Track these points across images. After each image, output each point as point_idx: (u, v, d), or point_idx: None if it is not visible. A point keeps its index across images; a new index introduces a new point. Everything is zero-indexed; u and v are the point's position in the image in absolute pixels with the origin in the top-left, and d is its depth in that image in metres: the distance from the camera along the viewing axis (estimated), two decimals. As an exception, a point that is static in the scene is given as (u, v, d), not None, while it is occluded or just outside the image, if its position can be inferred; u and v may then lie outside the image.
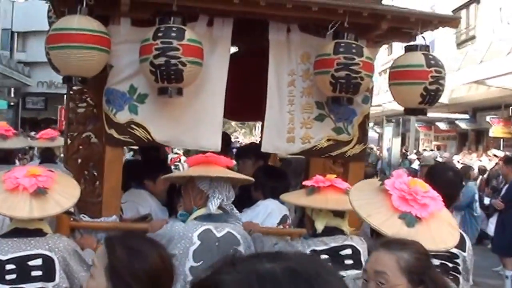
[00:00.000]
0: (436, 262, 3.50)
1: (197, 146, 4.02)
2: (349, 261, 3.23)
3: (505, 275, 9.42)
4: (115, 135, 3.87)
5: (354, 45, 3.79)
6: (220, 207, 3.26)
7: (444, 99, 23.21)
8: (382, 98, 29.01)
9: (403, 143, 32.68)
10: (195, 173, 3.27)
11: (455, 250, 3.52)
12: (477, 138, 24.39)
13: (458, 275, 3.53)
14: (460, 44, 27.34)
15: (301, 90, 4.12)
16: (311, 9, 3.76)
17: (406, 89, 3.98)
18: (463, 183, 4.10)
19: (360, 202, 2.58)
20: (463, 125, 24.47)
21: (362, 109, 4.21)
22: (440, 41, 30.42)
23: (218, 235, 3.17)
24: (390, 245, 2.20)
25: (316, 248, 3.22)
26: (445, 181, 3.76)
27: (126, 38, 3.82)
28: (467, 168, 11.50)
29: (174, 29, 3.56)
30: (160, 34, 3.55)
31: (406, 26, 3.99)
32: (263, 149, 4.24)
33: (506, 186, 9.95)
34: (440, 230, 2.55)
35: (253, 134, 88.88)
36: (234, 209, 3.43)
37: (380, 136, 31.66)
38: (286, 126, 4.12)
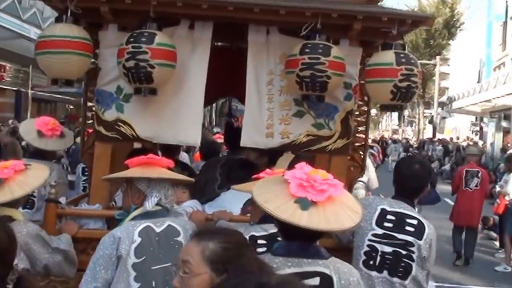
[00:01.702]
0: (388, 249, 3.81)
1: (178, 141, 4.51)
2: None
3: None
4: (103, 131, 4.38)
5: (321, 45, 4.03)
6: (160, 205, 3.52)
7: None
8: (491, 94, 28.56)
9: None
10: (132, 174, 3.55)
11: (410, 239, 3.79)
12: None
13: (411, 262, 3.77)
14: None
15: (279, 88, 4.42)
16: (279, 12, 4.10)
17: (377, 86, 4.22)
18: (430, 175, 4.29)
19: (261, 191, 2.82)
20: None
21: (344, 106, 4.45)
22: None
23: (158, 230, 3.41)
24: (200, 235, 2.41)
25: (255, 233, 3.49)
26: (412, 173, 3.99)
27: (112, 43, 4.26)
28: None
29: (145, 34, 3.97)
30: (131, 39, 3.96)
31: (381, 25, 4.18)
32: (242, 144, 4.57)
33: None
34: (336, 213, 2.72)
35: (377, 128, 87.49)
36: (175, 206, 3.73)
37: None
38: (265, 122, 4.44)
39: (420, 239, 3.80)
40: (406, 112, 64.09)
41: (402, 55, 4.15)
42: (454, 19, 45.76)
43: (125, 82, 4.23)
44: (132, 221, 3.46)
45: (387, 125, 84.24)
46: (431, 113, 44.20)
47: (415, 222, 3.86)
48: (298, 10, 4.10)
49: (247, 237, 3.48)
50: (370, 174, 12.12)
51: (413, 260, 3.79)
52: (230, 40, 5.44)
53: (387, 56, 4.15)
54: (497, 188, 12.43)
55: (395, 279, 3.80)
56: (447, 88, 64.49)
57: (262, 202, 2.73)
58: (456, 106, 38.11)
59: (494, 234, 13.37)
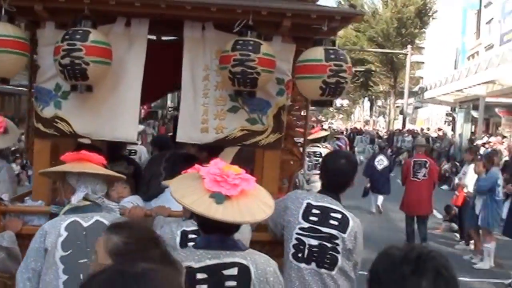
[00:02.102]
0: (315, 242, 4.04)
1: (115, 137, 4.66)
2: None
3: None
4: (42, 128, 4.52)
5: (251, 42, 4.19)
6: (89, 200, 3.67)
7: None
8: (462, 83, 28.98)
9: (487, 129, 32.39)
10: (61, 169, 3.72)
11: (334, 232, 4.02)
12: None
13: (337, 254, 4.01)
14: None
15: (215, 84, 4.58)
16: (210, 10, 4.27)
17: (307, 82, 4.37)
18: (356, 170, 4.50)
19: (178, 187, 3.01)
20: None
21: (276, 101, 4.62)
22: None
23: (85, 224, 3.56)
24: (109, 228, 2.62)
25: (186, 228, 3.71)
26: (338, 168, 4.21)
27: (50, 40, 4.38)
28: (491, 154, 11.78)
29: (80, 31, 4.11)
30: (67, 37, 4.10)
31: (312, 22, 4.35)
32: (178, 139, 4.73)
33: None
34: (250, 206, 2.93)
35: (350, 119, 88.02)
36: (106, 201, 3.86)
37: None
38: (200, 117, 4.60)
39: (344, 233, 4.02)
40: (378, 103, 64.63)
41: (331, 51, 4.31)
42: (427, 7, 46.12)
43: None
44: (62, 216, 3.64)
45: (360, 116, 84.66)
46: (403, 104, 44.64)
47: (339, 216, 4.07)
48: (229, 8, 4.26)
49: (178, 232, 3.71)
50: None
51: (338, 252, 4.02)
52: (175, 35, 5.58)
53: (317, 53, 4.31)
54: (456, 180, 12.77)
55: (323, 270, 4.03)
56: (422, 78, 64.92)
57: (179, 197, 2.93)
58: (428, 96, 38.60)
59: (456, 226, 13.69)
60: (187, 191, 2.97)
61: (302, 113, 5.52)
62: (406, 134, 35.36)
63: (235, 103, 4.61)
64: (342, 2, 48.61)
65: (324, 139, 17.51)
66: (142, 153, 8.90)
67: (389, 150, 32.99)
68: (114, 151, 5.89)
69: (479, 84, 26.17)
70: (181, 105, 4.69)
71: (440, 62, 54.46)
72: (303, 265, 4.06)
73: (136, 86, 4.52)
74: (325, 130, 36.57)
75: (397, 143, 35.60)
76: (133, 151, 9.89)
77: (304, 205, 4.12)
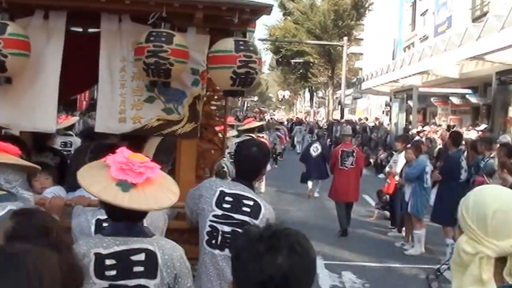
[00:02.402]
0: (228, 228, 4.18)
1: (34, 128, 4.72)
2: None
3: (446, 244, 10.46)
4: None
5: (164, 34, 4.31)
6: (2, 189, 3.68)
7: (454, 74, 23.72)
8: (397, 74, 29.64)
9: (424, 118, 33.24)
10: None
11: (246, 218, 4.14)
12: (488, 113, 24.85)
13: None
14: (475, 20, 27.75)
15: (131, 74, 4.67)
16: (124, 2, 4.36)
17: (218, 72, 4.52)
18: (268, 158, 4.68)
19: (86, 175, 3.11)
20: (474, 100, 24.99)
21: (191, 91, 4.74)
22: (456, 17, 30.75)
23: None
24: (11, 214, 2.75)
25: (101, 217, 3.73)
26: (249, 156, 4.34)
27: None
28: (418, 142, 12.21)
29: (-4, 25, 4.17)
30: (-16, 30, 4.16)
31: (224, 14, 4.50)
32: (96, 129, 4.83)
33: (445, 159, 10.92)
34: (155, 194, 3.06)
35: (292, 109, 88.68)
36: (21, 191, 3.86)
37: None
38: (117, 108, 4.69)
39: (256, 219, 4.15)
40: (319, 94, 65.42)
41: (241, 43, 4.46)
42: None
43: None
44: None
45: (301, 107, 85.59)
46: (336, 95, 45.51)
47: (251, 203, 4.22)
48: (143, 0, 4.37)
49: (93, 220, 3.81)
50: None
51: None
52: (97, 27, 5.65)
53: (227, 44, 4.45)
54: (387, 169, 13.15)
55: None
56: (361, 69, 66.05)
57: (86, 186, 3.05)
58: (365, 86, 39.35)
59: (388, 214, 14.07)
60: (94, 180, 3.08)
61: (222, 103, 5.66)
62: (344, 124, 35.89)
63: (152, 94, 4.72)
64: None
65: (258, 129, 17.82)
66: (77, 144, 8.91)
67: (328, 140, 33.60)
68: (39, 143, 5.93)
69: (414, 75, 26.88)
70: (99, 96, 4.77)
71: (379, 53, 55.52)
72: (217, 251, 4.19)
73: (54, 78, 4.59)
74: (260, 120, 36.54)
75: (336, 133, 36.15)
76: (69, 142, 9.91)
77: (218, 192, 4.24)
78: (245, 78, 4.47)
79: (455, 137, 11.23)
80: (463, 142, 13.27)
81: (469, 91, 24.77)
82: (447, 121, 28.81)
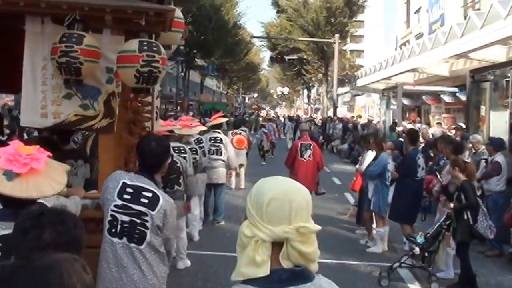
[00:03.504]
0: (126, 218, 4.61)
1: None
2: None
3: (404, 241, 10.76)
4: None
5: (75, 35, 4.74)
6: None
7: (444, 71, 24.05)
8: (388, 72, 29.92)
9: (419, 115, 33.53)
10: None
11: (143, 209, 4.59)
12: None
13: (145, 230, 4.60)
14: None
15: (51, 73, 5.08)
16: (40, 6, 4.78)
17: (124, 71, 4.90)
18: (168, 152, 5.09)
19: None
20: (464, 98, 25.26)
21: (106, 88, 5.16)
22: (449, 15, 31.07)
23: None
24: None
25: None
26: (148, 151, 4.77)
27: None
28: (380, 140, 12.57)
29: None
30: None
31: (131, 17, 4.88)
32: (21, 124, 5.27)
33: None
34: (38, 183, 3.47)
35: (292, 106, 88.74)
36: None
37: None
38: (39, 103, 5.11)
39: (153, 210, 4.61)
40: (319, 91, 65.75)
41: (145, 43, 4.85)
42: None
43: None
44: None
45: (301, 104, 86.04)
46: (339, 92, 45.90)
47: (150, 194, 4.65)
48: (56, 4, 4.81)
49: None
50: (229, 153, 13.10)
51: (147, 228, 4.62)
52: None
53: (132, 44, 4.86)
54: (356, 166, 13.54)
55: (132, 245, 4.63)
56: (362, 66, 66.31)
57: None
58: (359, 84, 39.69)
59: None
60: None
61: (148, 99, 6.08)
62: (337, 122, 36.38)
63: (70, 91, 5.14)
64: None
65: (236, 125, 18.27)
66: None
67: (321, 137, 34.01)
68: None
69: (402, 73, 27.23)
70: (23, 93, 5.17)
71: (380, 51, 55.81)
72: (116, 239, 4.65)
73: None
74: (257, 116, 36.79)
75: (329, 130, 36.60)
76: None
77: (120, 184, 4.69)
78: (148, 77, 4.86)
79: (412, 135, 11.59)
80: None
81: (456, 89, 25.03)
82: (440, 119, 29.05)
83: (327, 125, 37.97)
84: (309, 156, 14.21)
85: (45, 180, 3.57)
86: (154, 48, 4.89)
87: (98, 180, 5.41)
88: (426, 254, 9.14)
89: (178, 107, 48.97)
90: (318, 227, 2.31)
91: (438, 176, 10.01)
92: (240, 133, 18.15)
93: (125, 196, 4.65)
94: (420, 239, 9.10)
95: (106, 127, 5.25)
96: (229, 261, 9.57)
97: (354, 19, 49.48)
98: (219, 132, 13.36)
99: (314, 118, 48.33)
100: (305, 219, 2.29)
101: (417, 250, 9.08)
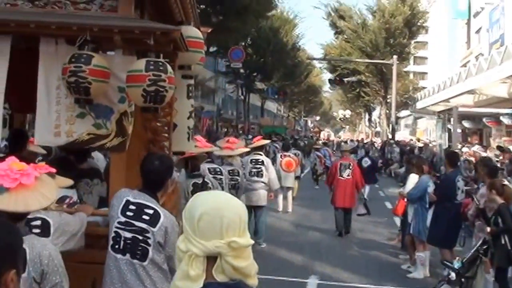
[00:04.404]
0: (129, 235, 4.72)
1: None
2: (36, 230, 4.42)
3: (444, 267, 10.41)
4: None
5: (84, 55, 4.88)
6: None
7: (502, 93, 23.59)
8: (448, 93, 29.51)
9: (480, 139, 32.95)
10: None
11: (145, 226, 4.70)
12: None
13: (147, 247, 4.70)
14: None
15: (65, 92, 5.25)
16: (50, 27, 4.98)
17: (132, 90, 5.01)
18: (170, 171, 5.18)
19: None
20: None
21: (118, 108, 5.27)
22: (509, 35, 30.51)
23: None
24: None
25: None
26: (152, 169, 4.91)
27: None
28: (420, 161, 12.38)
29: None
30: None
31: (139, 37, 4.98)
32: (35, 143, 5.46)
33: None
34: (26, 197, 3.58)
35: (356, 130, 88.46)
36: None
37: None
38: (53, 122, 5.27)
39: (154, 227, 4.71)
40: (379, 113, 65.28)
41: (152, 63, 4.95)
42: (415, 18, 46.92)
43: None
44: None
45: (363, 127, 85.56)
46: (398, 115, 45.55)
47: (151, 211, 4.76)
48: (66, 25, 4.97)
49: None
50: (270, 174, 13.13)
51: (149, 245, 4.72)
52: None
53: (139, 64, 4.96)
54: (400, 189, 13.39)
55: (135, 261, 4.73)
56: (424, 88, 65.58)
57: None
58: (419, 106, 39.22)
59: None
60: None
61: (167, 119, 6.21)
62: (394, 146, 36.01)
63: (83, 110, 5.28)
64: (332, 14, 49.71)
65: (286, 147, 18.40)
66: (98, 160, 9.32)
67: (380, 161, 33.70)
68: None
69: (460, 95, 26.82)
70: (37, 112, 5.34)
71: (443, 72, 55.11)
72: (119, 255, 4.76)
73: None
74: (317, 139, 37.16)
75: (387, 154, 36.25)
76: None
77: (124, 201, 4.82)
78: (155, 95, 4.95)
79: (451, 157, 11.40)
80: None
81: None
82: (501, 143, 28.47)
83: (385, 148, 37.59)
84: (348, 175, 14.98)
85: (33, 195, 3.68)
86: (161, 68, 4.98)
87: (108, 198, 5.52)
88: (463, 280, 8.92)
89: (241, 131, 49.33)
90: (251, 242, 2.35)
91: (474, 199, 9.80)
92: (289, 155, 18.19)
93: (128, 213, 4.77)
94: (457, 264, 8.91)
95: (118, 145, 5.36)
96: (269, 284, 9.67)
97: (414, 40, 49.17)
98: (260, 154, 13.42)
99: (374, 142, 47.94)
100: (237, 233, 2.32)
101: (453, 275, 8.89)
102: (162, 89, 4.97)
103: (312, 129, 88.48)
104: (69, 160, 6.21)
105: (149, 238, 4.70)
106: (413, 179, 11.97)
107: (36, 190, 3.72)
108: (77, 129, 5.32)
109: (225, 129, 52.32)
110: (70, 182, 4.47)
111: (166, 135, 6.26)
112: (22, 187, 3.64)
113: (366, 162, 23.57)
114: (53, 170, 3.98)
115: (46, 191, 3.80)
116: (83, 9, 5.33)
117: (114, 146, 5.35)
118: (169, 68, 5.00)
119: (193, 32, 6.33)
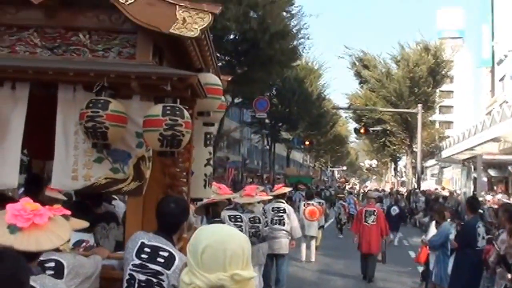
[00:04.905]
0: (143, 277, 4.76)
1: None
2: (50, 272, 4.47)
3: None
4: None
5: (102, 101, 4.97)
6: None
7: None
8: (472, 141, 29.40)
9: (506, 187, 32.64)
10: None
11: (159, 268, 4.75)
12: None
13: None
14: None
15: (83, 137, 5.36)
16: (68, 74, 5.11)
17: (148, 135, 5.08)
18: (186, 214, 5.24)
19: None
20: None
21: (136, 152, 5.33)
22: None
23: None
24: None
25: None
26: (167, 211, 4.99)
27: None
28: (442, 208, 12.28)
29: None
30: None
31: (156, 83, 5.09)
32: (52, 186, 5.54)
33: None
34: (39, 237, 3.65)
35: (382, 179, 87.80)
36: None
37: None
38: (71, 167, 5.36)
39: (169, 269, 4.74)
40: (405, 163, 65.01)
41: (168, 107, 5.03)
42: (440, 66, 47.04)
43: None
44: None
45: (389, 177, 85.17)
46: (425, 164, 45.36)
47: (166, 254, 4.80)
48: (83, 72, 5.09)
49: None
50: (292, 223, 13.11)
51: (163, 287, 4.75)
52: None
53: (156, 109, 5.05)
54: (422, 237, 13.31)
55: None
56: (449, 137, 65.34)
57: None
58: (445, 155, 39.05)
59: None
60: None
61: (186, 165, 6.28)
62: (419, 195, 35.79)
63: (100, 155, 5.36)
64: (357, 63, 50.01)
65: (309, 196, 18.42)
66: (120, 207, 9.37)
67: (406, 210, 33.48)
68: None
69: (484, 143, 26.69)
70: (55, 156, 5.41)
71: (468, 121, 55.00)
72: None
73: (17, 139, 5.28)
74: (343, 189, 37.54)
75: (413, 203, 36.01)
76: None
77: (139, 244, 4.88)
78: (171, 140, 5.02)
79: (472, 203, 11.31)
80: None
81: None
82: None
83: (411, 198, 37.34)
84: (373, 221, 15.41)
85: (46, 234, 3.75)
86: (177, 112, 5.05)
87: (124, 242, 5.56)
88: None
89: (266, 181, 49.36)
90: (254, 275, 2.37)
91: (495, 246, 9.67)
92: (313, 204, 18.16)
93: (143, 256, 4.81)
94: (479, 312, 8.78)
95: (135, 189, 5.42)
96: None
97: (439, 88, 49.20)
98: (282, 202, 13.40)
99: (400, 192, 47.64)
100: (240, 266, 2.34)
101: (475, 322, 8.75)
102: (179, 134, 5.03)
103: (338, 179, 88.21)
104: (85, 205, 6.29)
105: (163, 280, 4.73)
106: (433, 227, 11.92)
107: (49, 230, 3.79)
108: (95, 173, 5.39)
109: (251, 179, 52.32)
110: (85, 224, 4.53)
111: (185, 180, 6.30)
112: (35, 227, 3.72)
113: (395, 210, 25.76)
114: (68, 212, 4.05)
115: (59, 231, 3.87)
116: (101, 56, 5.45)
117: (131, 190, 5.40)
118: (186, 113, 5.07)
119: (212, 79, 6.43)
